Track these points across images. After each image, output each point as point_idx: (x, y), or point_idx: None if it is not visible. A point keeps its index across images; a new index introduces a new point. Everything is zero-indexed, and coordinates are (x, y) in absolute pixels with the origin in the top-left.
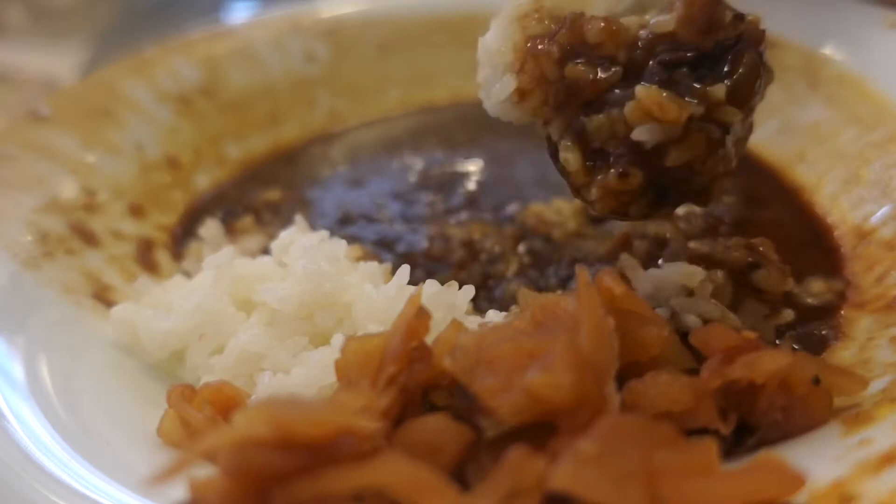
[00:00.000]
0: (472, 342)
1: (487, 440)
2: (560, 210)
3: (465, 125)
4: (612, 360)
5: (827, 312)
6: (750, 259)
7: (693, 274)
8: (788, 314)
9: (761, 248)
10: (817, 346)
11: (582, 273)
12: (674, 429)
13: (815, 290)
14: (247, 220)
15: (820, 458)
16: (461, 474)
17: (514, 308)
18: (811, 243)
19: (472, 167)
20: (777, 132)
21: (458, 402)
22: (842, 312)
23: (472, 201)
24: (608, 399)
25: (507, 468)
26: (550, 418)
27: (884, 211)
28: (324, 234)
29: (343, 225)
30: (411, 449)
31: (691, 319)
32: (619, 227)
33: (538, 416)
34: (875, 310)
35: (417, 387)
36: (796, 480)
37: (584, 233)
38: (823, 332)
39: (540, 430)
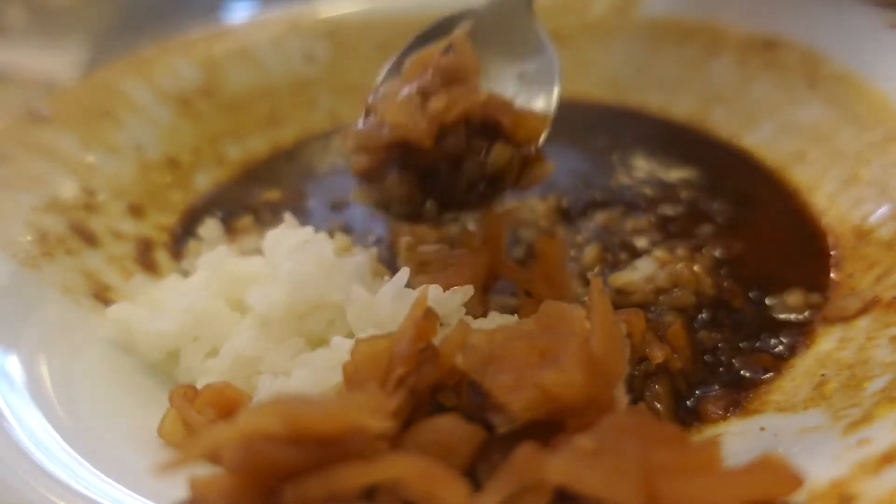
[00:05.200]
0: (483, 341)
1: (498, 439)
2: (533, 207)
3: None
4: (623, 364)
5: (797, 328)
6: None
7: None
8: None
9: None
10: (781, 356)
11: (595, 281)
12: (676, 429)
13: (792, 303)
14: (246, 220)
15: (819, 458)
16: (473, 475)
17: None
18: (802, 248)
19: None
20: (776, 132)
21: (469, 399)
22: (813, 327)
23: None
24: (616, 401)
25: (516, 465)
26: (560, 417)
27: (883, 211)
28: (309, 231)
29: (335, 210)
30: (424, 449)
31: None
32: (591, 227)
33: (548, 413)
34: (874, 310)
35: (426, 388)
36: (795, 480)
37: (555, 231)
38: (791, 342)
39: (549, 430)
